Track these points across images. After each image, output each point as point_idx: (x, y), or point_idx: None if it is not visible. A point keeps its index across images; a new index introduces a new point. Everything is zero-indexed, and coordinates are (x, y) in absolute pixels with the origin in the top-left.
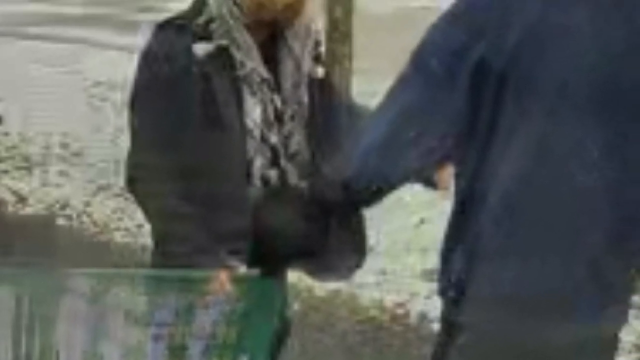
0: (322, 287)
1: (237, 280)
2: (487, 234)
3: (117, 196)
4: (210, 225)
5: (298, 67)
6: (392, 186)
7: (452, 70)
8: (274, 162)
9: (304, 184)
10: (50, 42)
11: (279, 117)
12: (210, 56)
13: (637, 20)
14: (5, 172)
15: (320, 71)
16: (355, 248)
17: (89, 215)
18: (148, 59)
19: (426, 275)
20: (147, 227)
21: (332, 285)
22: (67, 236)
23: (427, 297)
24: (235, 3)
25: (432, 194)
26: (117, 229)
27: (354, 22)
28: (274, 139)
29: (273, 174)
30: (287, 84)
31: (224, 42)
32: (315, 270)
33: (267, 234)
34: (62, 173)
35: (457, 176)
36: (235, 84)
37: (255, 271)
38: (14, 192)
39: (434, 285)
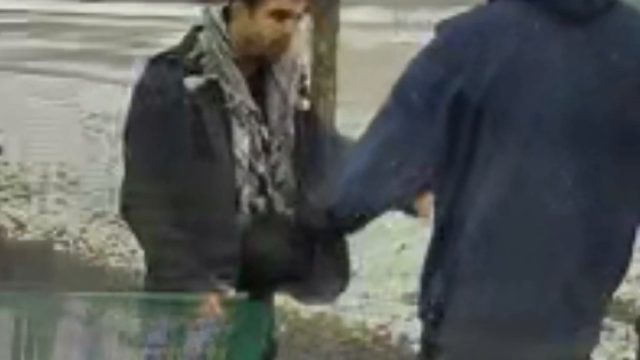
0: (308, 310)
1: (226, 303)
2: (464, 259)
3: (112, 223)
4: (200, 251)
5: (284, 99)
6: (374, 213)
7: (431, 103)
8: (262, 190)
9: (290, 212)
10: (48, 76)
11: (266, 148)
12: (201, 89)
13: (608, 56)
14: (5, 199)
15: (305, 104)
16: (339, 272)
17: (85, 241)
18: (141, 92)
19: (407, 298)
20: (141, 253)
21: (317, 308)
22: (64, 261)
23: (408, 320)
24: (224, 39)
25: (413, 221)
26: (112, 254)
27: (338, 57)
28: (261, 168)
29: (261, 201)
30: (274, 116)
31: (214, 76)
32: (300, 294)
33: (255, 259)
34: (59, 201)
35: (436, 204)
36: (224, 116)
37: (244, 295)
38: (14, 219)
39: (415, 308)
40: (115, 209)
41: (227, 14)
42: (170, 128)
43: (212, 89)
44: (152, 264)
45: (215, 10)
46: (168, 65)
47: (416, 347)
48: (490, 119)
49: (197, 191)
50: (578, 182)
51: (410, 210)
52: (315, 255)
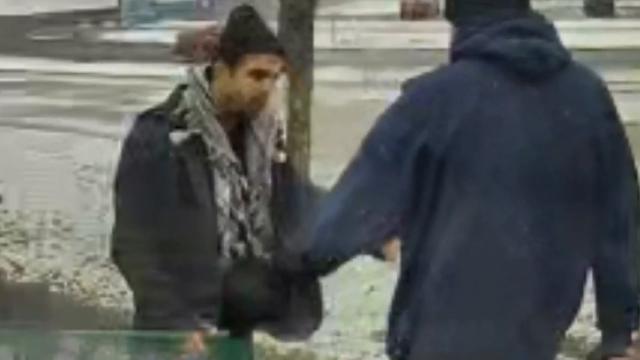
0: (284, 347)
1: (208, 340)
2: (429, 300)
3: (103, 266)
4: (185, 292)
5: (263, 152)
6: (345, 258)
7: (398, 155)
8: (241, 236)
9: (267, 256)
10: (45, 131)
11: (245, 197)
12: (185, 143)
13: (561, 112)
14: (5, 245)
15: (282, 156)
16: (312, 312)
17: (79, 283)
18: (130, 145)
19: (375, 336)
20: (130, 294)
21: (292, 344)
22: (59, 301)
23: (377, 356)
24: (207, 96)
25: (381, 264)
26: (103, 295)
27: (312, 113)
28: (241, 216)
29: (240, 246)
30: (253, 168)
31: (197, 130)
32: (277, 332)
33: (235, 300)
34: (54, 246)
35: (403, 249)
36: (207, 168)
37: (225, 332)
38: (12, 263)
39: (383, 345)
40: (106, 253)
41: (209, 74)
42: (157, 179)
43: (196, 143)
44: (140, 304)
45: (199, 70)
46: (155, 120)
47: None
48: (452, 170)
49: (182, 237)
50: (534, 228)
51: (379, 255)
52: (291, 296)
